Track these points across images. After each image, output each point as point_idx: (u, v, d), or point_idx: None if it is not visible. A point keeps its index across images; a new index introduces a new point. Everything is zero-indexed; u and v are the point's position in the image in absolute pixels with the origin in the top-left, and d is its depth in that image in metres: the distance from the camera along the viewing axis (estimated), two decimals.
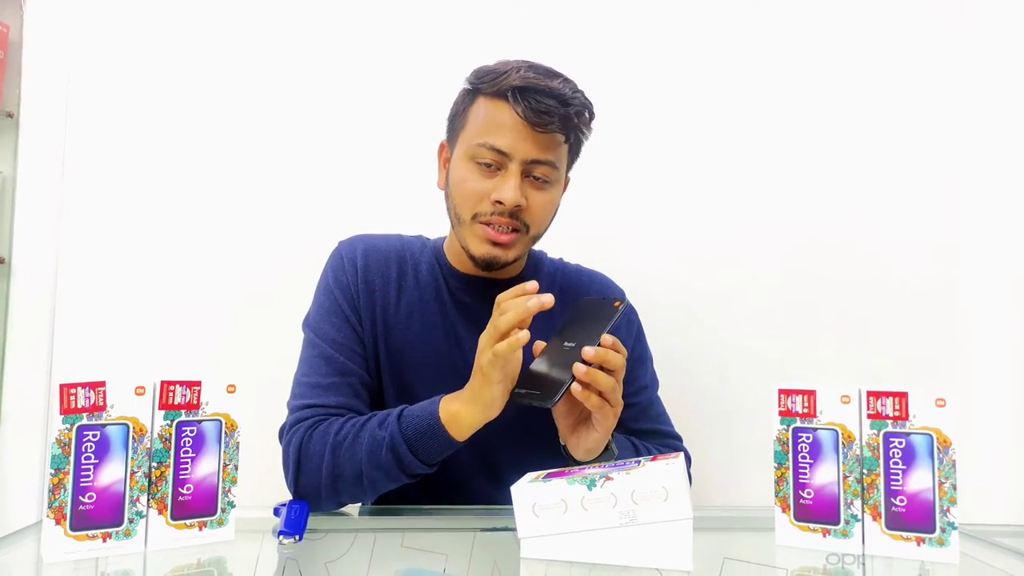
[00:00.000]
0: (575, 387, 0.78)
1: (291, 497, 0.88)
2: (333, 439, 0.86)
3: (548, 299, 0.78)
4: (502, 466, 0.99)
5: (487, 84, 0.91)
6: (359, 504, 0.94)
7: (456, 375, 0.93)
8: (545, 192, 0.93)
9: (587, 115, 0.94)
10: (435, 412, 0.84)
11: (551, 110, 0.88)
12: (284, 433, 0.92)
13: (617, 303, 0.85)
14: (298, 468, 0.88)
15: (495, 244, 0.92)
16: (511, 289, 0.81)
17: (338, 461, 0.85)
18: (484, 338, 0.80)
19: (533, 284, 0.80)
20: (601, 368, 0.78)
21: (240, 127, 1.44)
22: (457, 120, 0.97)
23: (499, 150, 0.90)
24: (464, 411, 0.83)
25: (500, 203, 0.90)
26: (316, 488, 0.87)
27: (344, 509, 0.92)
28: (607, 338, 0.80)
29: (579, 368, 0.77)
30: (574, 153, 0.99)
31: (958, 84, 1.47)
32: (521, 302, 0.78)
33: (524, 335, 0.77)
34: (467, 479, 0.99)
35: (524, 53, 0.97)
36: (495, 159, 0.91)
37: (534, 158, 0.90)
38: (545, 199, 0.94)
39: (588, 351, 0.78)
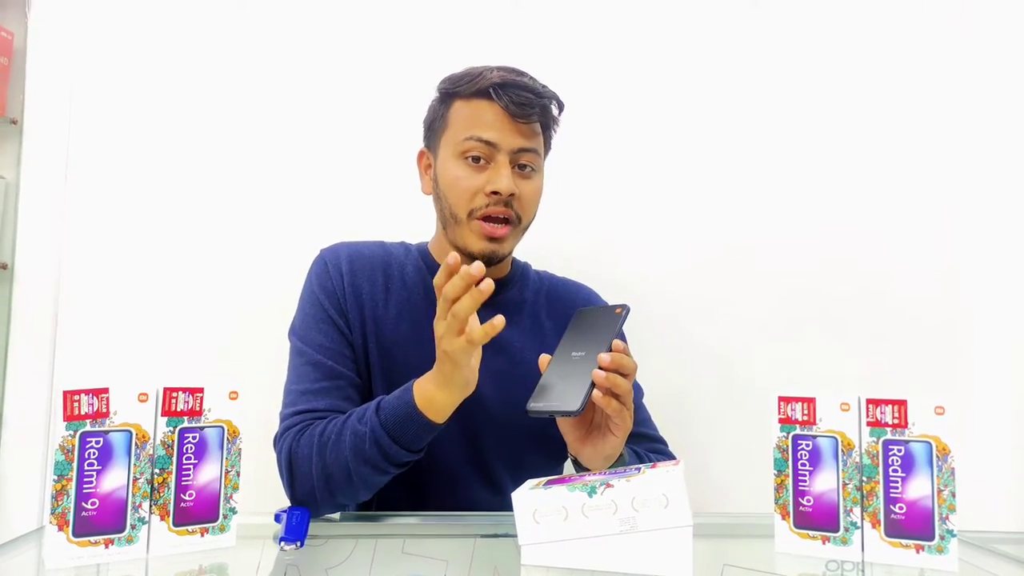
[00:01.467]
0: (596, 394, 0.79)
1: (298, 507, 0.88)
2: (318, 441, 0.87)
3: (488, 283, 0.76)
4: (495, 469, 1.01)
5: (464, 86, 0.96)
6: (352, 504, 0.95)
7: None
8: (532, 181, 0.99)
9: (558, 106, 1.01)
10: (410, 399, 0.84)
11: (531, 102, 0.95)
12: (276, 442, 0.93)
13: (618, 309, 0.86)
14: (291, 474, 0.89)
15: (492, 239, 0.96)
16: (441, 272, 0.78)
17: (326, 462, 0.86)
18: (442, 326, 0.78)
19: (454, 256, 0.77)
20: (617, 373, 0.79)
21: (242, 134, 1.44)
22: (436, 125, 1.01)
23: (488, 142, 0.95)
24: (440, 395, 0.83)
25: (496, 193, 0.94)
26: (311, 492, 0.87)
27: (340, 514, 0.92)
28: (618, 343, 0.82)
29: (599, 374, 0.78)
30: (547, 145, 1.04)
31: (956, 89, 1.47)
32: (471, 290, 0.76)
33: (500, 320, 0.76)
34: (460, 482, 1.00)
35: (511, 57, 1.01)
36: (484, 152, 0.95)
37: (520, 146, 0.96)
38: (533, 188, 0.99)
39: (604, 358, 0.79)
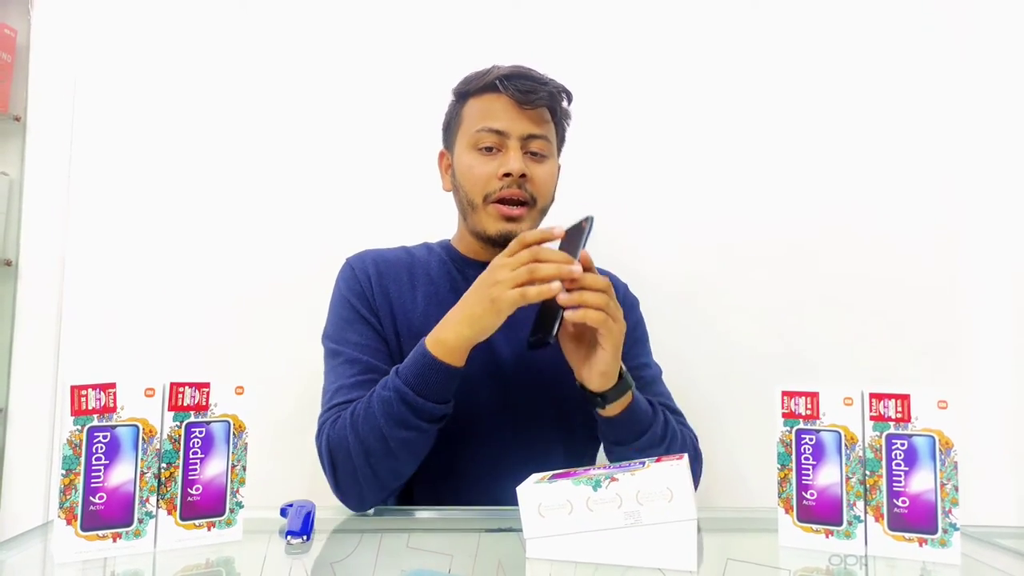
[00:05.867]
0: (569, 314, 0.81)
1: (304, 501, 0.88)
2: (350, 421, 0.89)
3: (577, 269, 0.82)
4: (528, 443, 1.02)
5: (474, 84, 1.02)
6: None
7: (478, 357, 0.97)
8: (544, 164, 1.02)
9: (566, 94, 1.04)
10: (423, 348, 0.87)
11: (536, 88, 0.99)
12: (316, 440, 0.94)
13: (583, 223, 0.88)
14: (333, 463, 0.90)
15: (509, 219, 1.00)
16: (538, 231, 0.85)
17: (361, 437, 0.87)
18: (506, 273, 0.82)
19: (561, 229, 0.86)
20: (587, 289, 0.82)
21: (245, 130, 1.45)
22: (452, 124, 1.06)
23: (497, 130, 0.99)
24: (451, 333, 0.86)
25: (508, 175, 0.97)
26: (354, 476, 0.88)
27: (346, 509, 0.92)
28: (584, 256, 0.85)
29: (562, 296, 0.81)
30: (560, 136, 1.07)
31: (957, 81, 1.47)
32: (564, 264, 0.81)
33: (557, 286, 0.80)
34: (499, 459, 1.00)
35: (525, 57, 1.04)
36: (495, 141, 0.99)
37: (529, 133, 1.00)
38: (545, 170, 1.02)
39: (565, 270, 0.81)
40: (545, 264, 0.81)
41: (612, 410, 0.90)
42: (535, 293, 0.80)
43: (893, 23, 1.48)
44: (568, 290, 0.81)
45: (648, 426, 0.92)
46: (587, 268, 0.85)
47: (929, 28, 1.48)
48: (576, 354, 0.89)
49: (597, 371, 0.87)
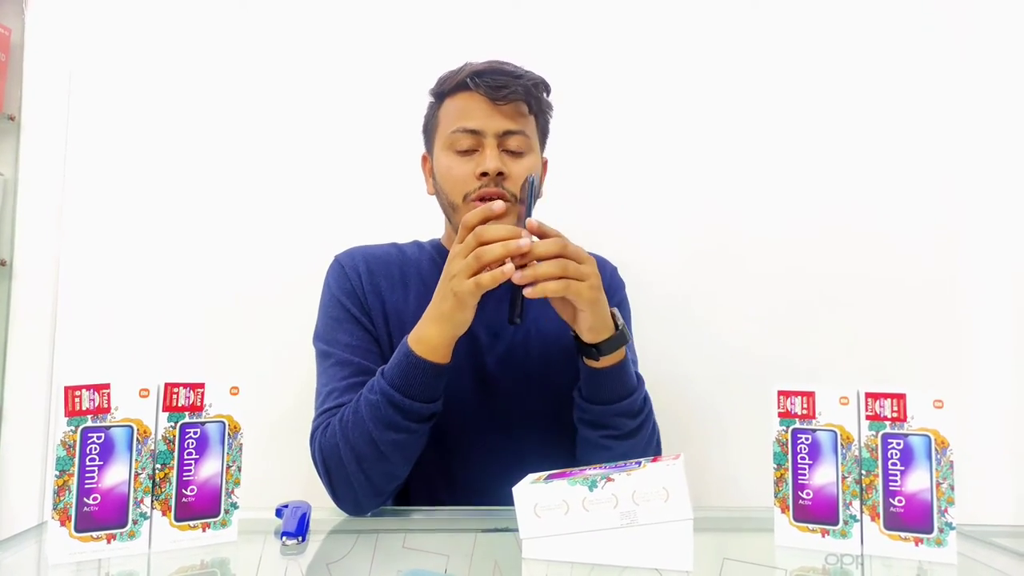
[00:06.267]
0: (528, 291, 0.80)
1: (300, 502, 0.88)
2: (340, 427, 0.88)
3: (526, 242, 0.80)
4: (518, 438, 1.01)
5: (447, 85, 0.99)
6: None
7: (470, 355, 0.98)
8: (523, 160, 0.98)
9: (543, 86, 1.00)
10: (406, 348, 0.86)
11: (509, 83, 0.95)
12: (310, 445, 0.93)
13: (524, 184, 0.87)
14: (327, 470, 0.89)
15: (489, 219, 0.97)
16: (478, 211, 0.83)
17: (352, 443, 0.86)
18: (459, 264, 0.81)
19: (501, 204, 0.83)
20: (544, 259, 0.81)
21: (241, 130, 1.44)
22: (430, 126, 1.04)
23: (472, 130, 0.96)
24: (433, 331, 0.85)
25: (485, 174, 0.94)
26: (348, 482, 0.87)
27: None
28: (531, 223, 0.83)
29: (515, 276, 0.79)
30: (542, 130, 1.04)
31: (957, 81, 1.47)
32: (511, 240, 0.80)
33: (509, 268, 0.79)
34: (487, 455, 1.00)
35: (522, 56, 1.01)
36: (471, 141, 0.96)
37: (505, 129, 0.96)
38: (524, 166, 0.98)
39: (512, 247, 0.79)
40: (490, 246, 0.79)
41: (604, 362, 0.89)
42: (489, 280, 0.79)
43: (893, 23, 1.48)
44: (523, 264, 0.80)
45: (631, 391, 0.92)
46: (540, 235, 0.83)
47: (929, 28, 1.47)
48: (565, 311, 0.88)
49: (585, 327, 0.86)
